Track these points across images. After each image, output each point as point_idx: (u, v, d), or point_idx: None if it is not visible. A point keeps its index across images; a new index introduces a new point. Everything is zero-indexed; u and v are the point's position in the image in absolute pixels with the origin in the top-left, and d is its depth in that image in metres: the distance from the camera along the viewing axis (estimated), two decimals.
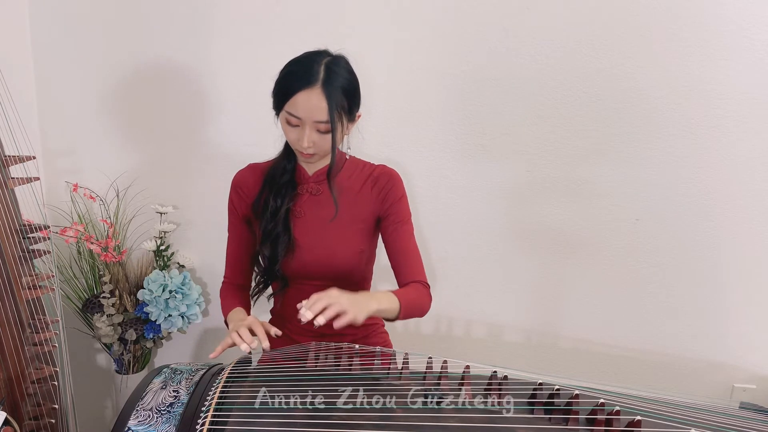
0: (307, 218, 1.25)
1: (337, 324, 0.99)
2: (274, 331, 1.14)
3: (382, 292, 1.11)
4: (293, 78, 1.12)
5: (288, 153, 1.27)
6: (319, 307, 0.98)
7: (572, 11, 1.62)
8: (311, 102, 1.10)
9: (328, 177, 1.22)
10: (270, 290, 1.36)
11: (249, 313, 1.30)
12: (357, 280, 1.31)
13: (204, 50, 1.72)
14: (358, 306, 1.01)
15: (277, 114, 1.19)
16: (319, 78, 1.10)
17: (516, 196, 1.77)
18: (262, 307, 1.41)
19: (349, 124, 1.19)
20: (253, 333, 1.12)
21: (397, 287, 1.23)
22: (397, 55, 1.69)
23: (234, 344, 1.10)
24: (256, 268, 1.33)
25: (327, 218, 1.24)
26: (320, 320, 0.97)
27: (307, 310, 0.98)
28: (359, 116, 1.21)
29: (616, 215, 1.76)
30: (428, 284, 1.25)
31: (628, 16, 1.61)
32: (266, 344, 1.10)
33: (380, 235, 1.29)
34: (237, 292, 1.32)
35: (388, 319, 1.16)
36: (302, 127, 1.13)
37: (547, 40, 1.65)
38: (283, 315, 1.34)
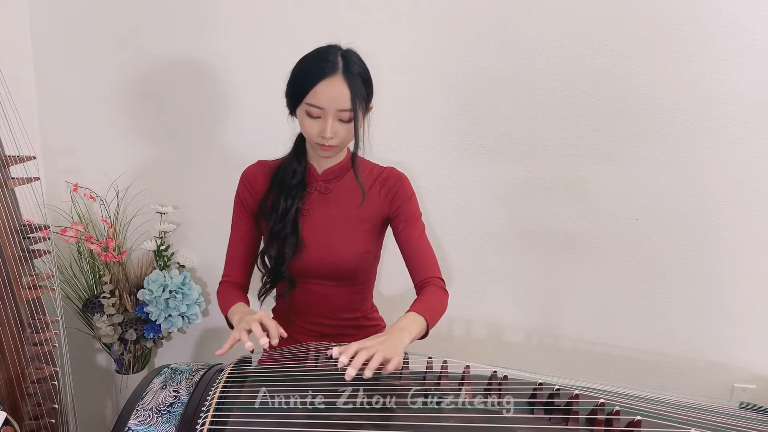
0: (314, 216, 1.25)
1: (387, 370, 0.96)
2: (281, 332, 1.09)
3: (407, 319, 1.08)
4: (312, 70, 1.12)
5: (298, 154, 1.26)
6: (360, 361, 0.94)
7: (572, 11, 1.62)
8: (334, 90, 1.10)
9: (353, 163, 1.23)
10: (275, 292, 1.36)
11: None
12: (361, 281, 1.31)
13: (205, 51, 1.72)
14: (395, 348, 0.98)
15: (292, 111, 1.19)
16: (338, 67, 1.11)
17: (516, 196, 1.77)
18: (266, 307, 1.41)
19: (365, 114, 1.19)
20: (263, 329, 1.07)
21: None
22: (397, 55, 1.69)
23: (240, 340, 1.05)
24: (262, 269, 1.32)
25: (334, 217, 1.25)
26: (367, 373, 0.94)
27: (351, 368, 0.93)
28: (371, 108, 1.22)
29: (616, 215, 1.76)
30: (443, 279, 1.23)
31: (628, 16, 1.61)
32: (275, 341, 1.05)
33: (393, 236, 1.28)
34: (237, 290, 1.30)
35: (419, 338, 1.12)
36: (324, 118, 1.13)
37: (547, 40, 1.65)
38: (288, 316, 1.34)
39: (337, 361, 0.98)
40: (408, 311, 1.11)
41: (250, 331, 1.07)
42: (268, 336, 1.05)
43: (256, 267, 1.34)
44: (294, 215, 1.23)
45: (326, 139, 1.14)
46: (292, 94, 1.16)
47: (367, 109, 1.19)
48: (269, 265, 1.29)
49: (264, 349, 1.08)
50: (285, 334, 1.10)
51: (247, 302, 1.31)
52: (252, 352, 1.04)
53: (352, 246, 1.24)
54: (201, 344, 1.98)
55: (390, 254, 1.36)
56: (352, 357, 0.95)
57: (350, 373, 0.92)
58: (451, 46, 1.68)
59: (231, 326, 1.21)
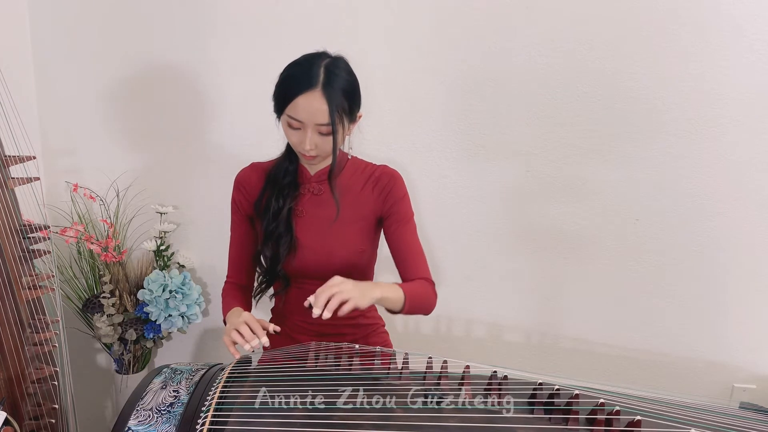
0: (308, 217, 1.25)
1: (342, 311, 1.01)
2: (273, 327, 1.13)
3: (387, 283, 1.13)
4: (293, 82, 1.12)
5: (290, 154, 1.27)
6: (323, 300, 1.00)
7: (572, 11, 1.62)
8: (312, 105, 1.10)
9: (330, 179, 1.22)
10: (272, 290, 1.36)
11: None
12: (358, 280, 1.31)
13: (204, 51, 1.72)
14: (361, 291, 1.04)
15: (278, 117, 1.19)
16: (319, 81, 1.10)
17: (515, 196, 1.77)
18: (264, 307, 1.41)
19: (350, 125, 1.19)
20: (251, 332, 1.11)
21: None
22: (396, 55, 1.69)
23: (235, 342, 1.09)
24: (258, 269, 1.33)
25: (328, 217, 1.25)
26: (326, 314, 0.99)
27: (315, 308, 1.00)
28: (360, 116, 1.21)
29: (616, 215, 1.76)
30: (433, 281, 1.25)
31: (628, 16, 1.61)
32: (265, 340, 1.09)
33: (383, 235, 1.29)
34: (238, 292, 1.32)
35: (392, 311, 1.16)
36: (304, 130, 1.13)
37: (547, 40, 1.65)
38: (285, 314, 1.34)
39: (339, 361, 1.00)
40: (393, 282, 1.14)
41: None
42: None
43: None
44: (287, 215, 1.24)
45: (306, 150, 1.15)
46: (275, 102, 1.17)
47: (352, 120, 1.18)
48: (265, 265, 1.30)
49: (263, 346, 1.10)
50: (278, 329, 1.14)
51: (248, 305, 1.33)
52: (253, 351, 1.08)
53: (347, 246, 1.25)
54: (201, 344, 1.98)
55: (388, 253, 1.36)
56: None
57: (315, 312, 0.99)
58: (451, 46, 1.68)
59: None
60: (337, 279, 1.05)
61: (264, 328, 1.11)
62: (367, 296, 1.05)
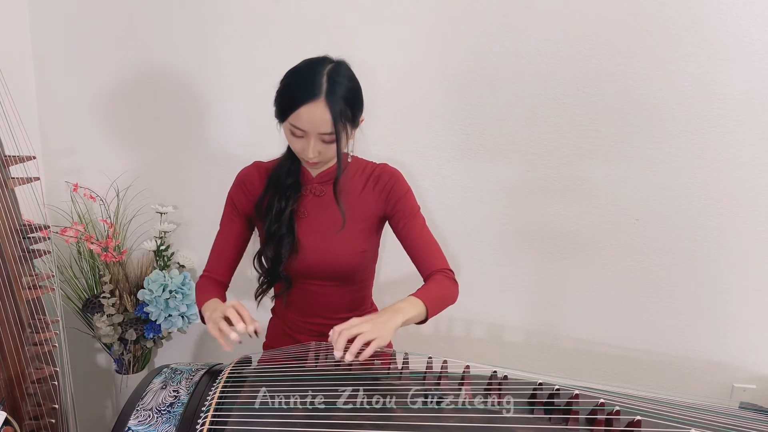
0: (310, 219, 1.25)
1: (365, 354, 0.98)
2: (253, 327, 1.09)
3: (405, 302, 1.09)
4: (295, 91, 1.11)
5: (292, 155, 1.26)
6: (343, 342, 0.97)
7: (572, 11, 1.63)
8: (315, 115, 1.09)
9: (335, 188, 1.22)
10: (272, 291, 1.36)
11: None
12: (360, 279, 1.31)
13: (204, 51, 1.72)
14: (382, 327, 1.00)
15: (280, 123, 1.19)
16: (322, 90, 1.09)
17: (516, 196, 1.77)
18: (265, 307, 1.41)
19: (353, 130, 1.19)
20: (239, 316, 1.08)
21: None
22: (397, 55, 1.69)
23: (223, 331, 1.07)
24: (259, 269, 1.32)
25: (330, 219, 1.24)
26: (348, 357, 0.97)
27: (336, 351, 0.96)
28: (362, 120, 1.21)
29: (616, 215, 1.76)
30: (451, 270, 1.23)
31: (629, 16, 1.61)
32: (251, 328, 1.06)
33: (395, 234, 1.27)
34: (216, 287, 1.29)
35: (418, 323, 1.13)
36: (307, 139, 1.13)
37: (548, 40, 1.65)
38: (285, 315, 1.34)
39: (339, 362, 0.99)
40: (409, 295, 1.11)
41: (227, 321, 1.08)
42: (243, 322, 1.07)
43: (252, 268, 1.34)
44: (289, 216, 1.24)
45: (309, 158, 1.15)
46: (277, 108, 1.16)
47: (355, 125, 1.18)
48: (266, 266, 1.29)
49: (250, 334, 1.08)
50: (258, 330, 1.10)
51: (224, 300, 1.28)
52: (240, 342, 1.06)
53: (349, 247, 1.24)
54: (201, 344, 1.98)
55: (389, 252, 1.35)
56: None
57: (335, 354, 0.96)
58: (451, 47, 1.68)
59: (203, 320, 1.19)
60: (355, 320, 1.02)
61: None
62: (389, 330, 1.01)
